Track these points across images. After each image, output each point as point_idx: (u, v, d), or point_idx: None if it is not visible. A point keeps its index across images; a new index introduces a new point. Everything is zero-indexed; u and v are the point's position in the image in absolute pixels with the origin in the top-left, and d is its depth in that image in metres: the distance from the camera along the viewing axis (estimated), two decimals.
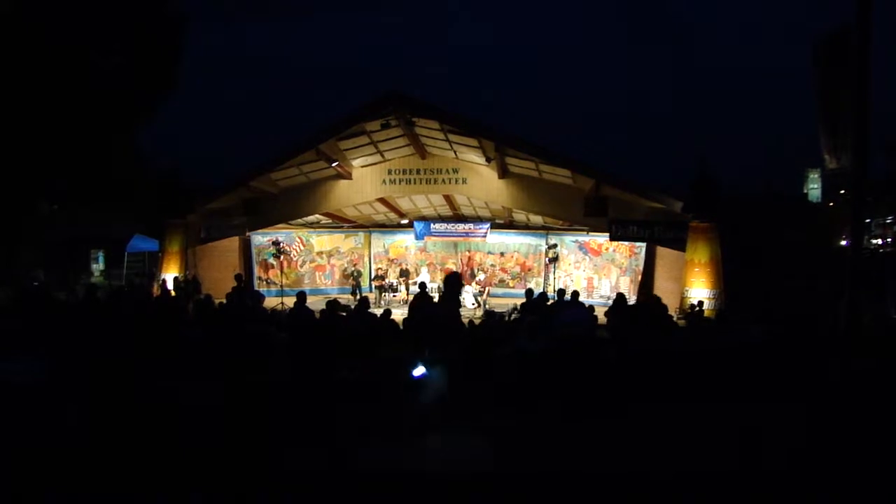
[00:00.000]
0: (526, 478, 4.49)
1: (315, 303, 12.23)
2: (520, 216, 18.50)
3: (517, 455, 4.99)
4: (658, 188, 14.05)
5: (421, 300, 10.63)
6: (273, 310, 11.74)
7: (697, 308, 11.56)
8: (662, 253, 15.68)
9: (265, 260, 18.85)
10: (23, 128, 14.33)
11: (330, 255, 20.00)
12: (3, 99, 13.81)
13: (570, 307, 9.04)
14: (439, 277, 19.33)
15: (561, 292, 11.94)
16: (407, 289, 18.07)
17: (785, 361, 6.48)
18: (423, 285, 12.80)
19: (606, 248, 17.60)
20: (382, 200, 17.69)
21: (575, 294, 9.60)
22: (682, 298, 13.00)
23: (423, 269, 19.11)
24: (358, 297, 15.23)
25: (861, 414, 5.26)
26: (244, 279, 13.70)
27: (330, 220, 19.52)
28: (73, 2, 13.95)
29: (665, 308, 9.51)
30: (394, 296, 17.88)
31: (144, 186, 18.87)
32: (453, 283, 6.55)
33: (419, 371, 5.76)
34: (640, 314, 9.32)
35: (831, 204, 47.08)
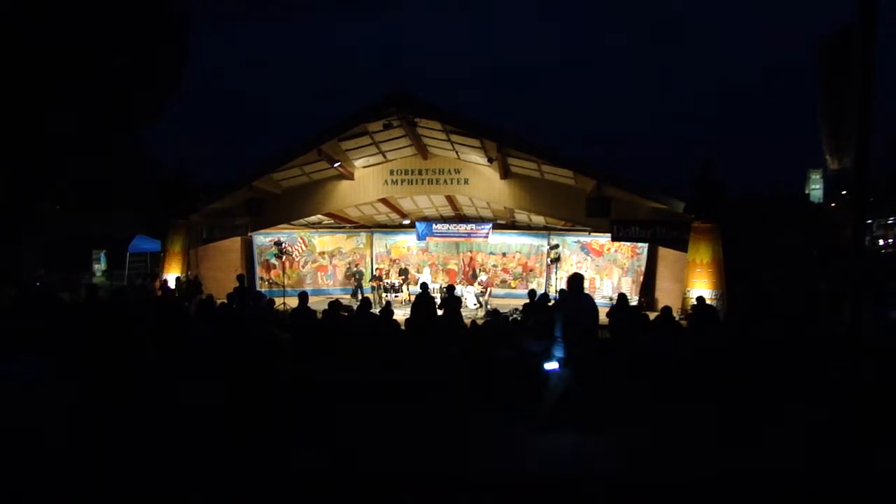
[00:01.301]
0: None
1: (317, 303, 12.24)
2: (522, 216, 18.49)
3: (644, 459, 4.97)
4: (660, 188, 14.03)
5: (423, 300, 10.71)
6: (276, 310, 11.76)
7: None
8: (664, 253, 15.67)
9: (267, 260, 18.86)
10: (26, 127, 14.37)
11: (332, 255, 20.00)
12: (8, 98, 13.84)
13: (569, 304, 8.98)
14: (441, 278, 19.34)
15: (563, 293, 11.93)
16: (408, 289, 18.03)
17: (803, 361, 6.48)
18: (424, 286, 12.84)
19: (608, 249, 17.59)
20: (384, 201, 17.68)
21: (577, 284, 9.14)
22: (684, 299, 12.98)
23: (426, 270, 19.10)
24: (360, 297, 15.23)
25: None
26: (246, 279, 13.66)
27: (332, 221, 19.52)
28: (79, 3, 13.97)
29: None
30: (395, 296, 17.85)
31: (147, 187, 18.93)
32: (573, 282, 6.51)
33: (552, 366, 5.72)
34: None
35: (833, 205, 47.09)
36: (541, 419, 5.65)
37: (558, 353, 5.72)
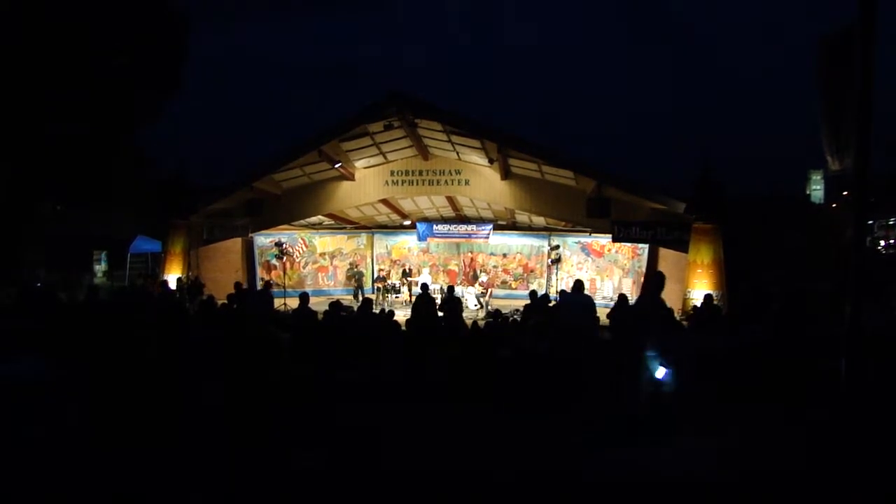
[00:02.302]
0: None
1: (318, 304, 12.23)
2: (522, 217, 18.49)
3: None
4: (660, 189, 14.03)
5: (424, 301, 10.73)
6: (276, 310, 11.76)
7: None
8: (665, 254, 15.65)
9: (268, 261, 18.86)
10: (26, 128, 14.37)
11: (332, 256, 20.00)
12: (8, 98, 13.85)
13: (568, 305, 9.00)
14: (441, 279, 19.34)
15: (563, 293, 11.96)
16: (409, 289, 18.03)
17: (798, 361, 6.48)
18: (424, 286, 12.84)
19: (609, 250, 17.58)
20: (385, 202, 17.69)
21: (578, 285, 9.09)
22: (685, 300, 12.98)
23: (425, 271, 19.10)
24: (360, 298, 15.21)
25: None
26: (243, 287, 13.44)
27: (332, 222, 19.53)
28: (78, 2, 13.98)
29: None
30: (396, 297, 17.86)
31: (147, 187, 18.92)
32: (658, 283, 6.48)
33: (662, 373, 5.56)
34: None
35: (834, 205, 47.08)
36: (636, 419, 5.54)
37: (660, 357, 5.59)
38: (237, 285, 12.39)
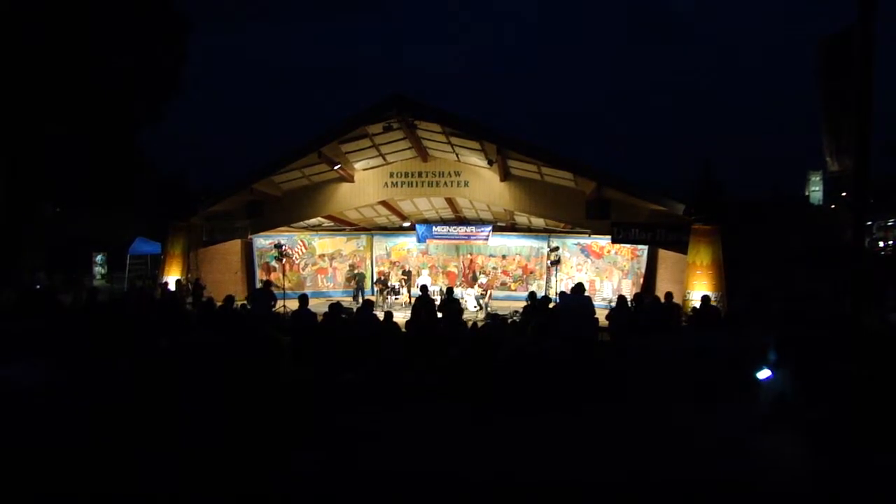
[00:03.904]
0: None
1: (317, 305, 12.23)
2: (522, 219, 18.49)
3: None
4: (660, 191, 14.03)
5: (423, 303, 10.72)
6: (275, 312, 11.75)
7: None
8: (664, 255, 15.67)
9: (267, 263, 18.85)
10: (26, 129, 14.38)
11: (332, 257, 20.00)
12: (8, 100, 13.86)
13: (568, 307, 9.01)
14: (441, 280, 19.35)
15: (563, 295, 11.95)
16: (409, 291, 18.03)
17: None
18: (424, 288, 12.85)
19: (608, 251, 17.59)
20: (384, 203, 17.69)
21: (578, 287, 9.12)
22: (684, 301, 12.98)
23: (424, 272, 19.10)
24: (360, 300, 15.20)
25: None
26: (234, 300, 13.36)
27: (332, 223, 19.53)
28: (79, 4, 14.00)
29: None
30: (395, 298, 17.86)
31: (147, 189, 18.94)
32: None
33: (765, 374, 5.73)
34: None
35: (833, 206, 47.14)
36: (762, 420, 5.62)
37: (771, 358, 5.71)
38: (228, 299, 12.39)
